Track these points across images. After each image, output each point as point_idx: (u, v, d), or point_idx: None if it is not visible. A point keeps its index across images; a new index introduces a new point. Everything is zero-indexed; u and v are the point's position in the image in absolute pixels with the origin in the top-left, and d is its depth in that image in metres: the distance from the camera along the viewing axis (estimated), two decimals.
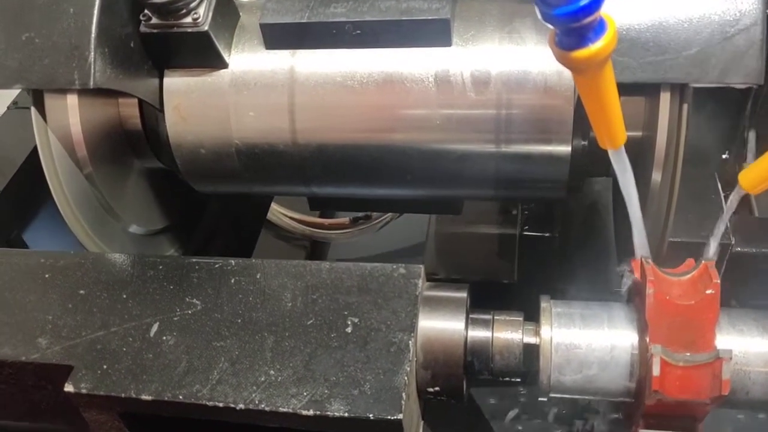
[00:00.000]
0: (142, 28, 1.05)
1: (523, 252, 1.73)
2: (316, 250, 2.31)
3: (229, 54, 1.13)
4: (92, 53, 0.95)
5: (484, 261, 1.81)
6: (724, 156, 1.42)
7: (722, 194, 1.49)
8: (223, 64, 1.12)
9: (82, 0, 0.97)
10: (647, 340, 0.87)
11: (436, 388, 0.92)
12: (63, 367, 0.90)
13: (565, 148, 1.09)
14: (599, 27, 0.73)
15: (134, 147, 1.21)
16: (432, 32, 1.07)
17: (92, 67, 0.95)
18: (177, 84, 1.13)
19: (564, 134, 1.09)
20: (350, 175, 1.17)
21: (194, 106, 1.13)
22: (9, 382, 0.92)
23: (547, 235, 1.70)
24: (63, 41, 0.95)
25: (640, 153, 1.11)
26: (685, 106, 0.92)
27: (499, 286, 1.78)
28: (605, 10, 0.73)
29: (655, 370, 0.83)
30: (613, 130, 0.83)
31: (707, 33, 0.88)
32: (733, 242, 1.43)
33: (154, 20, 1.04)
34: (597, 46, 0.72)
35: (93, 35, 0.95)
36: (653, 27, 0.89)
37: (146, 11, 1.04)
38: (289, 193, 1.31)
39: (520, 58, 1.08)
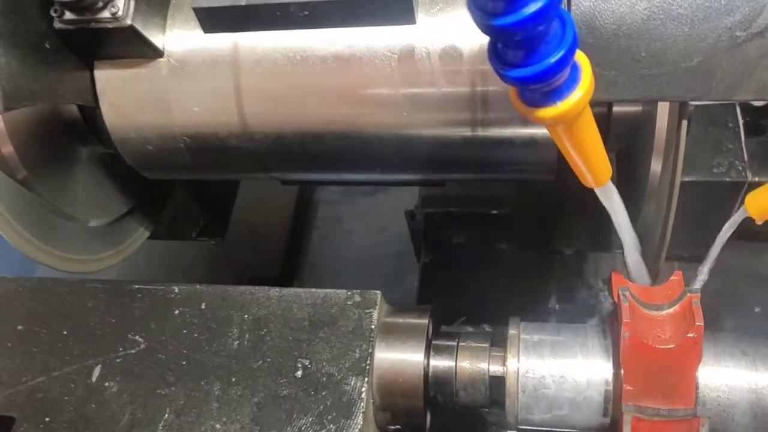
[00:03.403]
0: (57, 25, 0.87)
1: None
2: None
3: (164, 37, 0.94)
4: None
5: (481, 191, 1.67)
6: None
7: (741, 120, 1.30)
8: (158, 53, 0.94)
9: None
10: (622, 378, 0.76)
11: (397, 426, 0.83)
12: (5, 418, 0.81)
13: None
14: (571, 77, 0.55)
15: (76, 135, 1.05)
16: (392, 10, 0.88)
17: (1, 87, 0.78)
18: (109, 78, 0.96)
19: None
20: (312, 165, 1.02)
21: (131, 101, 0.96)
22: None
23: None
24: None
25: (638, 132, 0.93)
26: (684, 123, 0.74)
27: (497, 218, 1.66)
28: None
29: (626, 430, 0.72)
30: (595, 171, 0.67)
31: (712, 39, 0.67)
32: (749, 177, 1.27)
33: (68, 16, 0.86)
34: (569, 103, 0.55)
35: None
36: (646, 32, 0.68)
37: (56, 6, 0.85)
38: (252, 179, 1.16)
39: None
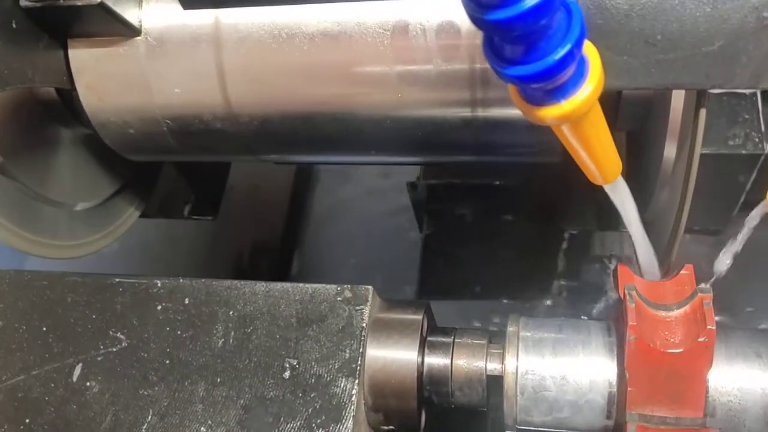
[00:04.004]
0: (23, 3, 0.80)
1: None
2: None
3: (140, 13, 0.87)
4: None
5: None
6: None
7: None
8: (134, 31, 0.87)
9: None
10: (626, 380, 0.71)
11: (391, 427, 0.78)
12: None
13: None
14: (577, 72, 0.48)
15: (55, 117, 0.98)
16: None
17: None
18: (84, 58, 0.89)
19: None
20: (303, 148, 0.96)
21: (109, 82, 0.90)
22: None
23: None
24: None
25: (651, 112, 0.86)
26: (703, 112, 0.67)
27: (500, 189, 1.60)
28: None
29: None
30: (604, 168, 0.60)
31: (736, 20, 0.59)
32: (766, 149, 1.21)
33: None
34: (575, 101, 0.48)
35: None
36: (662, 12, 0.61)
37: None
38: (240, 161, 1.10)
39: None
